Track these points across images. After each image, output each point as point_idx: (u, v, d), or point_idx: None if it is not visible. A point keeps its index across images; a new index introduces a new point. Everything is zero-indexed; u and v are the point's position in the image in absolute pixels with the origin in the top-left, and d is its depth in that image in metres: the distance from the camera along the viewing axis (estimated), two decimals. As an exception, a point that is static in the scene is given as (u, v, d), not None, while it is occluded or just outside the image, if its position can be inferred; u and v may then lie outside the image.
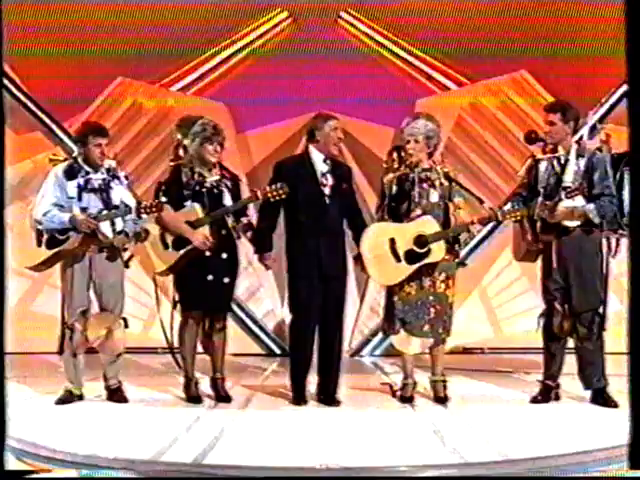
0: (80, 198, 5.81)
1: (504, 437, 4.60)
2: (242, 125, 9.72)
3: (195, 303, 5.98)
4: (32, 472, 4.06)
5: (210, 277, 5.90)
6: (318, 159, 5.93)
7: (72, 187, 5.84)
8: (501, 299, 9.26)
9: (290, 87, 9.32)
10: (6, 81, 8.42)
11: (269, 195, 5.77)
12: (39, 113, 9.44)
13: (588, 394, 5.93)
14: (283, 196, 5.75)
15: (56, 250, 5.80)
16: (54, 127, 9.41)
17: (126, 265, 6.11)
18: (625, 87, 7.11)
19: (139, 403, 5.92)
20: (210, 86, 10.07)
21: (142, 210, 5.78)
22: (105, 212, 5.82)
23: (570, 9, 9.38)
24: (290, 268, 5.96)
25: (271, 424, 5.16)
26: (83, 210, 5.77)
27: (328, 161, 5.95)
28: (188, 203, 5.90)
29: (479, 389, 6.59)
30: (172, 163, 6.32)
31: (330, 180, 5.92)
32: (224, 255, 5.94)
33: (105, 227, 5.81)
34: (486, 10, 9.48)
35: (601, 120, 8.92)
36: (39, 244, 5.85)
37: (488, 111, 9.80)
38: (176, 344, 6.11)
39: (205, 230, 5.83)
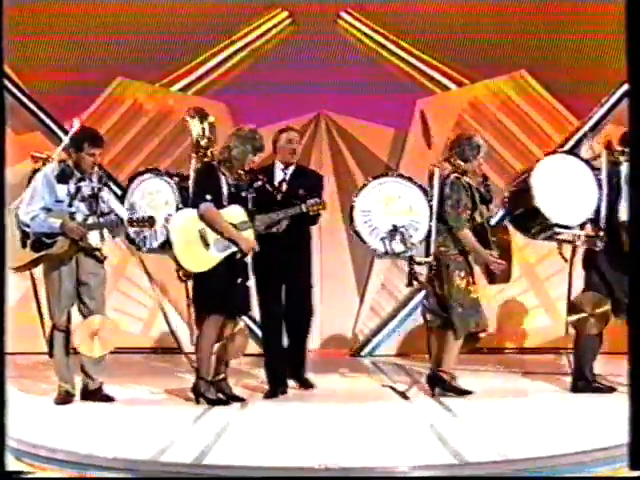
0: (70, 204, 5.81)
1: (504, 437, 4.60)
2: (243, 125, 9.71)
3: (227, 306, 5.93)
4: (32, 472, 4.06)
5: (239, 280, 5.92)
6: (278, 168, 6.48)
7: (62, 191, 5.82)
8: (501, 299, 9.26)
9: (290, 87, 9.31)
10: (6, 81, 8.42)
11: (311, 210, 6.16)
12: (39, 113, 9.44)
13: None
14: (322, 210, 6.23)
15: (43, 253, 5.79)
16: (54, 127, 9.41)
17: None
18: (625, 87, 7.13)
19: (139, 403, 5.92)
20: (210, 86, 10.08)
21: (134, 223, 5.84)
22: (96, 221, 5.84)
23: (570, 9, 9.37)
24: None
25: (270, 424, 5.16)
26: (72, 216, 5.77)
27: (287, 170, 6.45)
28: (229, 205, 5.89)
29: (479, 389, 6.58)
30: (206, 159, 6.25)
31: (284, 187, 6.40)
32: (247, 258, 6.02)
33: (93, 234, 5.85)
34: (486, 10, 9.49)
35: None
36: (24, 245, 5.83)
37: (488, 111, 9.81)
38: (189, 346, 6.06)
39: (250, 234, 5.87)
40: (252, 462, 4.05)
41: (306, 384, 6.54)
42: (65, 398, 5.87)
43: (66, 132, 9.39)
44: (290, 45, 9.86)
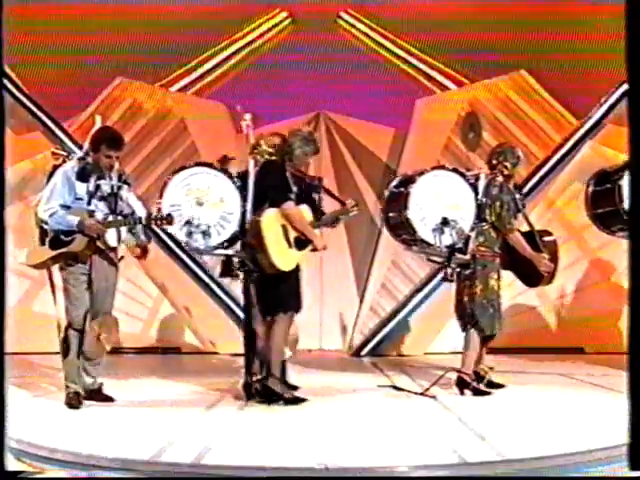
0: (89, 202, 5.73)
1: (504, 437, 4.60)
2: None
3: (300, 304, 6.01)
4: (32, 472, 4.06)
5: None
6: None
7: (81, 189, 5.75)
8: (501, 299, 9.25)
9: (290, 87, 9.32)
10: (6, 81, 8.42)
11: (350, 210, 6.17)
12: (39, 113, 9.44)
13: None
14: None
15: (61, 251, 5.74)
16: (54, 127, 9.41)
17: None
18: (624, 87, 7.14)
19: (139, 403, 5.92)
20: (210, 86, 10.08)
21: (154, 221, 5.78)
22: (116, 218, 5.77)
23: (570, 9, 9.38)
24: None
25: (270, 424, 5.16)
26: (90, 214, 5.71)
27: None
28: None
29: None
30: (273, 157, 6.12)
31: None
32: None
33: (110, 233, 5.77)
34: (486, 10, 9.49)
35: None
36: (42, 242, 5.80)
37: (487, 111, 9.81)
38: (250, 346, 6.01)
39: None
40: (252, 462, 4.04)
41: (289, 387, 6.45)
42: (77, 400, 5.74)
43: (66, 132, 9.44)
44: (290, 45, 9.87)
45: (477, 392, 6.20)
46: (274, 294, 5.86)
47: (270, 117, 8.73)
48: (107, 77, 9.70)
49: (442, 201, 6.25)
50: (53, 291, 6.31)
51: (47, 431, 4.77)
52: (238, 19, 9.92)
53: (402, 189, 6.35)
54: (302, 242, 5.85)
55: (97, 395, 5.89)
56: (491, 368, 6.49)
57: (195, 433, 4.79)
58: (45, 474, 4.07)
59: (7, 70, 8.48)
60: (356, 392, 6.47)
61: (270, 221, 5.75)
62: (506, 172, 6.37)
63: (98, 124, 6.36)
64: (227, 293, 9.31)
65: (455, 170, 6.48)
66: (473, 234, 6.23)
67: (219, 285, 9.39)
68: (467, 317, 6.32)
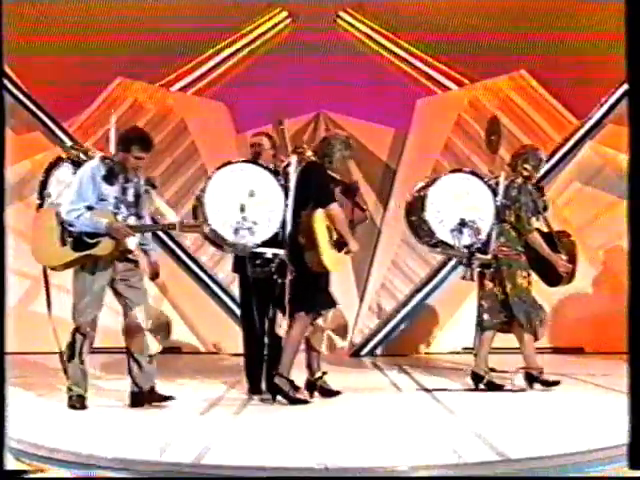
0: (117, 205, 5.55)
1: (504, 437, 4.60)
2: (242, 125, 9.72)
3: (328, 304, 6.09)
4: (32, 472, 4.06)
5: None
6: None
7: (106, 190, 5.54)
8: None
9: (289, 87, 9.32)
10: (6, 81, 8.42)
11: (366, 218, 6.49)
12: (39, 113, 9.44)
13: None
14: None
15: (86, 253, 5.52)
16: (54, 127, 9.42)
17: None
18: (625, 87, 7.14)
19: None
20: (210, 86, 10.09)
21: (185, 228, 5.69)
22: (144, 223, 5.66)
23: (569, 9, 9.38)
24: None
25: (270, 424, 5.16)
26: (114, 216, 5.53)
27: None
28: None
29: (479, 388, 6.58)
30: (319, 160, 6.10)
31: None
32: None
33: (131, 238, 5.59)
34: (486, 10, 9.49)
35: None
36: (63, 243, 5.55)
37: (488, 111, 9.81)
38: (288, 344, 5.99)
39: None
40: (252, 462, 4.04)
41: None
42: (80, 402, 5.62)
43: (66, 132, 9.45)
44: (290, 45, 9.87)
45: (546, 384, 6.41)
46: (309, 292, 5.91)
47: (270, 117, 8.72)
48: (107, 77, 9.70)
49: (460, 203, 6.31)
50: (47, 291, 6.17)
51: (47, 431, 4.77)
52: (238, 19, 9.92)
53: (420, 193, 6.44)
54: (340, 244, 5.93)
55: (153, 396, 5.76)
56: (492, 369, 6.53)
57: (195, 433, 4.79)
58: (45, 474, 4.07)
59: (7, 70, 8.48)
60: (356, 392, 6.46)
61: (320, 221, 5.81)
62: (526, 174, 6.52)
63: (113, 124, 6.21)
64: (227, 293, 9.32)
65: (472, 172, 6.57)
66: (494, 234, 6.33)
67: (219, 285, 9.40)
68: (496, 317, 6.50)
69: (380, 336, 9.37)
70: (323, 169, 6.02)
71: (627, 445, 3.75)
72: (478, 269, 6.37)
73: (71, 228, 5.51)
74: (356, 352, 9.34)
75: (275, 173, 5.93)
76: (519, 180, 6.52)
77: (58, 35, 9.40)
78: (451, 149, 9.96)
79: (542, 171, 9.32)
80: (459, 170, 6.67)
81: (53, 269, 5.84)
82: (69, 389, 5.71)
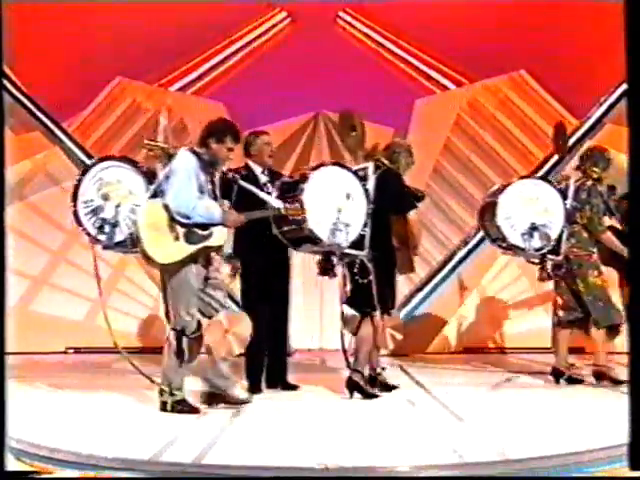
0: (215, 197, 5.45)
1: (504, 437, 4.60)
2: (241, 125, 9.70)
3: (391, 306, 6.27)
4: (32, 472, 4.06)
5: None
6: (258, 171, 6.41)
7: (205, 181, 5.41)
8: (501, 298, 9.27)
9: (289, 87, 9.33)
10: (6, 81, 8.42)
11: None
12: (39, 113, 9.44)
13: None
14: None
15: (202, 245, 5.32)
16: (54, 127, 9.42)
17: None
18: (624, 87, 7.14)
19: (139, 403, 5.92)
20: (209, 86, 10.09)
21: (290, 211, 5.58)
22: (256, 211, 5.62)
23: (569, 9, 9.39)
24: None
25: (270, 424, 5.16)
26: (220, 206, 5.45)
27: (266, 172, 6.42)
28: None
29: (479, 388, 6.59)
30: (391, 165, 6.28)
31: (271, 189, 6.20)
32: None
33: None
34: (485, 10, 9.50)
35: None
36: (176, 238, 5.27)
37: (487, 111, 9.82)
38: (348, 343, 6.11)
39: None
40: (252, 462, 4.04)
41: (289, 387, 6.54)
42: (189, 406, 5.42)
43: (65, 132, 9.44)
44: (289, 45, 9.87)
45: (615, 382, 6.41)
46: (370, 293, 6.03)
47: (269, 117, 8.74)
48: (107, 77, 9.70)
49: (531, 208, 6.47)
50: (98, 283, 6.02)
51: (47, 431, 4.77)
52: (238, 19, 9.93)
53: (492, 199, 6.61)
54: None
55: (227, 398, 5.62)
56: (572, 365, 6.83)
57: (195, 433, 4.79)
58: (45, 474, 4.07)
59: (7, 70, 8.48)
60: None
61: (413, 226, 6.17)
62: (595, 176, 6.69)
63: (163, 122, 6.16)
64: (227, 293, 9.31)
65: (542, 178, 6.85)
66: (564, 236, 6.49)
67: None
68: (571, 313, 6.70)
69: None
70: (400, 177, 6.28)
71: (627, 445, 3.76)
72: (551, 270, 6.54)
73: (185, 220, 5.28)
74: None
75: (362, 178, 6.02)
76: (589, 182, 6.67)
77: (58, 35, 9.40)
78: (450, 149, 9.96)
79: (542, 171, 9.42)
80: (528, 176, 6.97)
81: (164, 269, 5.41)
82: (172, 394, 5.45)
